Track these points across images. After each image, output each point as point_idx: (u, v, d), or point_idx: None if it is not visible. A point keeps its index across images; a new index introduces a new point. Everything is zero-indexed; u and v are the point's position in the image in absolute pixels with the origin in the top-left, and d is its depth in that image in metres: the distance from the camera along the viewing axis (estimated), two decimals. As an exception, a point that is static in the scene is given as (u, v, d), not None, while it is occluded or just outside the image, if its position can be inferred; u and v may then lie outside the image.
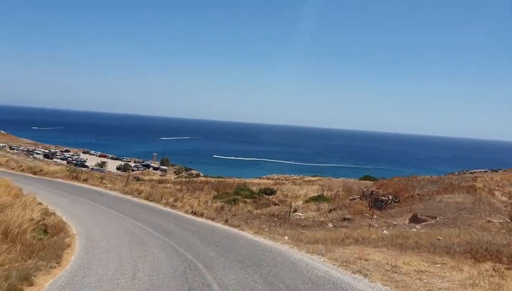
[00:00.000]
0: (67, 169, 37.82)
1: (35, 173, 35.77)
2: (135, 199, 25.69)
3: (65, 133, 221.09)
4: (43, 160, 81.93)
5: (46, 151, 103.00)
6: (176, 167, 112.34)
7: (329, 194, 43.09)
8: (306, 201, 37.65)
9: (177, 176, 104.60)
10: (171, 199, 24.44)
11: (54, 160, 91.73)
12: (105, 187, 30.45)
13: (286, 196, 48.00)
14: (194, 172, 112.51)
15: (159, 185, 56.00)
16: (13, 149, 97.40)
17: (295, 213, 22.44)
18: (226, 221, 18.49)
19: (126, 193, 27.81)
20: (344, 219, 20.40)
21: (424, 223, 22.87)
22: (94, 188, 30.38)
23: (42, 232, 13.39)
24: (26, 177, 34.29)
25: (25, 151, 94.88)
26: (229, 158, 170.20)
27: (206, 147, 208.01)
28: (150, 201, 24.90)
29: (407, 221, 24.32)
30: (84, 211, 20.49)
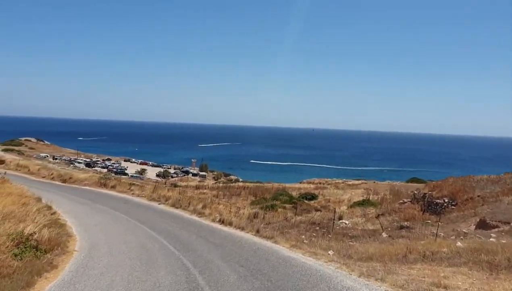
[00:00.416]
0: (98, 176, 36.14)
1: (64, 181, 34.33)
2: (161, 206, 23.17)
3: (108, 143, 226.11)
4: (82, 168, 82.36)
5: (88, 160, 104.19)
6: (215, 173, 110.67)
7: (375, 198, 39.33)
8: (351, 206, 34.12)
9: (215, 181, 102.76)
10: (199, 206, 21.71)
11: (95, 168, 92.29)
12: (132, 194, 28.24)
13: (329, 201, 44.72)
14: (233, 177, 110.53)
15: (195, 191, 53.96)
16: (56, 159, 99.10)
17: (340, 221, 19.07)
18: (258, 231, 15.45)
19: (153, 199, 25.39)
20: (401, 227, 16.82)
21: (497, 230, 18.97)
22: (121, 195, 28.25)
23: (30, 248, 10.95)
24: (54, 185, 32.86)
25: (67, 160, 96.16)
26: (268, 163, 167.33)
27: (245, 152, 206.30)
28: (177, 208, 22.29)
29: (473, 227, 20.43)
30: (99, 220, 18.10)
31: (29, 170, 38.61)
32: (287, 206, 35.50)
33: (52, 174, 36.63)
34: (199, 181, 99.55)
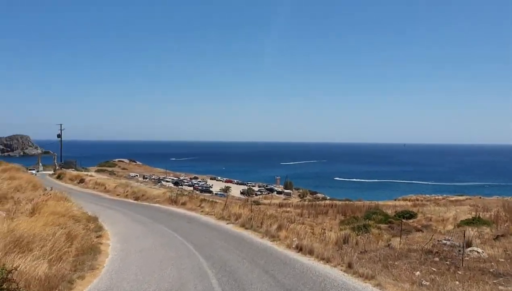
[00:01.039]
0: (169, 192, 33.58)
1: (137, 198, 32.16)
2: (228, 226, 19.11)
3: (197, 162, 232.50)
4: (169, 186, 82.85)
5: (175, 179, 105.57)
6: (300, 190, 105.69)
7: (487, 216, 31.99)
8: (458, 225, 27.49)
9: (300, 199, 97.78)
10: (274, 226, 17.26)
11: (183, 187, 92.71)
12: (202, 211, 24.68)
13: (430, 220, 38.10)
14: (319, 195, 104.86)
15: (278, 209, 49.69)
16: (146, 178, 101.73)
17: (469, 248, 13.32)
18: (350, 266, 10.53)
19: (222, 218, 21.49)
20: None
21: None
22: (189, 212, 24.86)
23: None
24: (125, 202, 30.73)
25: (156, 179, 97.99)
26: (355, 180, 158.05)
27: (331, 169, 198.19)
28: (246, 228, 18.05)
29: None
30: (148, 245, 14.45)
31: (105, 188, 37.46)
32: (382, 226, 29.79)
33: (126, 192, 34.84)
34: (284, 199, 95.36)
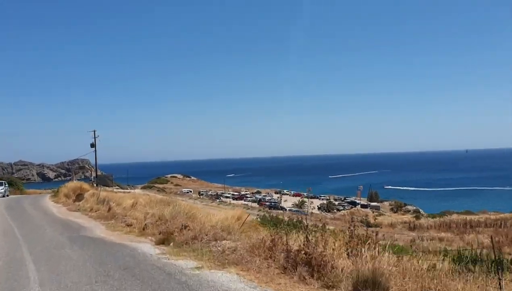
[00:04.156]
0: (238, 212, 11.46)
1: (170, 234, 10.92)
2: None
3: (253, 177, 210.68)
4: (230, 202, 62.35)
5: (236, 194, 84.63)
6: (392, 203, 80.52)
7: None
8: None
9: (402, 213, 72.91)
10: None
11: (244, 202, 71.43)
12: None
13: None
14: (409, 207, 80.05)
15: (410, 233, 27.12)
16: (202, 194, 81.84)
17: None
18: None
19: None
20: None
21: None
22: None
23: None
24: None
25: (214, 194, 77.50)
26: (433, 189, 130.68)
27: (397, 178, 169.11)
28: None
29: None
30: None
31: (109, 210, 16.53)
32: None
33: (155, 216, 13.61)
34: (376, 214, 70.83)
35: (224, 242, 9.18)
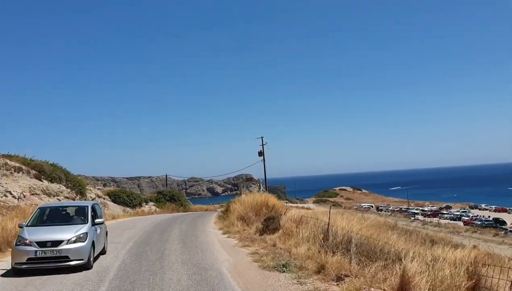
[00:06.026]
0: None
1: None
2: None
3: (420, 189, 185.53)
4: (438, 222, 48.95)
5: (425, 210, 69.35)
6: None
7: None
8: None
9: None
10: None
11: (439, 220, 56.62)
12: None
13: None
14: None
15: None
16: (381, 209, 69.40)
17: None
18: None
19: None
20: None
21: None
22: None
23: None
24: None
25: (404, 211, 64.11)
26: None
27: None
28: None
29: None
30: None
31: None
32: None
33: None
34: None
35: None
